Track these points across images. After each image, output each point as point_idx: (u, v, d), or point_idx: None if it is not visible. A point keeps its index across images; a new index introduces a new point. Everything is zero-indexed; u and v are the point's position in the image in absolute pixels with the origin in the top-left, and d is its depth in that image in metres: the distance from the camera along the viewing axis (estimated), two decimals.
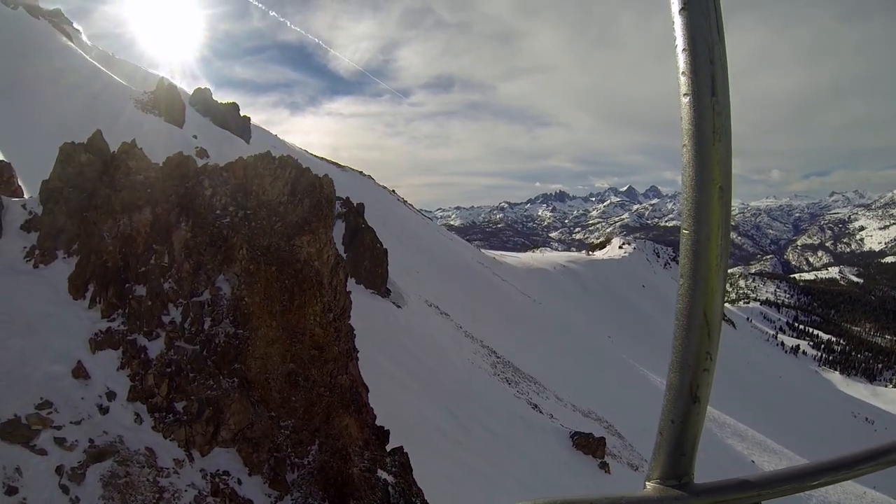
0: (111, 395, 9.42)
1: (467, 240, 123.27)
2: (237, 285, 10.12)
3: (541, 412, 30.80)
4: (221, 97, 57.11)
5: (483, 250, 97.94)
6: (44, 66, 33.99)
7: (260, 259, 10.06)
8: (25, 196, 11.80)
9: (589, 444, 27.54)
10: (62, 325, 9.96)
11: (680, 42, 0.69)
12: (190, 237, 10.57)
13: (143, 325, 10.26)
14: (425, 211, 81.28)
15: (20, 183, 11.75)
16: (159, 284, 10.35)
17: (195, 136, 41.36)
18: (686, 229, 0.72)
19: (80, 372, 9.50)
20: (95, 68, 40.76)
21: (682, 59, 0.69)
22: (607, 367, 54.37)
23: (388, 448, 13.35)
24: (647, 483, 0.79)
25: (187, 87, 55.70)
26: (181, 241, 10.55)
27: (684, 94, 0.69)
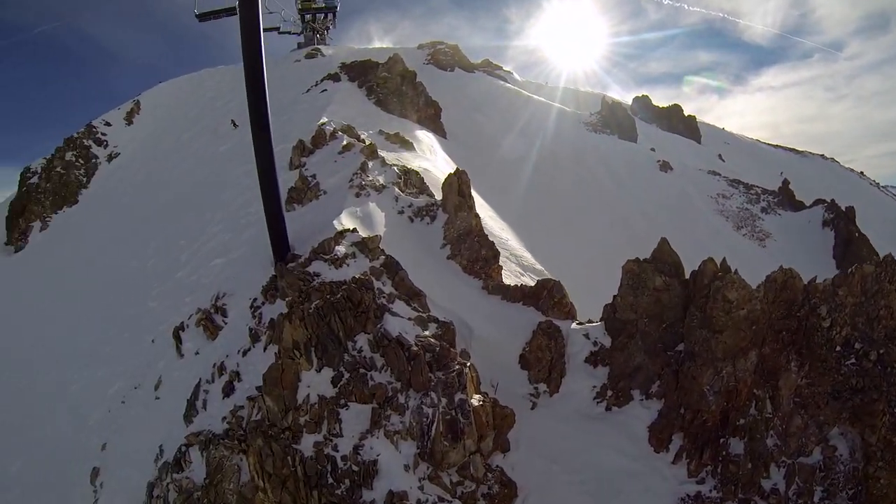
0: None
1: None
2: (861, 450, 7.55)
3: None
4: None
5: None
6: (493, 112, 37.07)
7: None
8: (578, 318, 11.07)
9: None
10: (644, 484, 8.67)
11: None
12: (804, 384, 7.78)
13: (738, 490, 8.20)
14: (891, 187, 58.77)
15: (571, 301, 11.11)
16: (762, 442, 7.98)
17: (653, 150, 39.90)
18: None
19: None
20: (541, 102, 43.07)
21: None
22: None
23: None
24: None
25: (613, 94, 55.75)
26: (791, 387, 8.21)
27: None
